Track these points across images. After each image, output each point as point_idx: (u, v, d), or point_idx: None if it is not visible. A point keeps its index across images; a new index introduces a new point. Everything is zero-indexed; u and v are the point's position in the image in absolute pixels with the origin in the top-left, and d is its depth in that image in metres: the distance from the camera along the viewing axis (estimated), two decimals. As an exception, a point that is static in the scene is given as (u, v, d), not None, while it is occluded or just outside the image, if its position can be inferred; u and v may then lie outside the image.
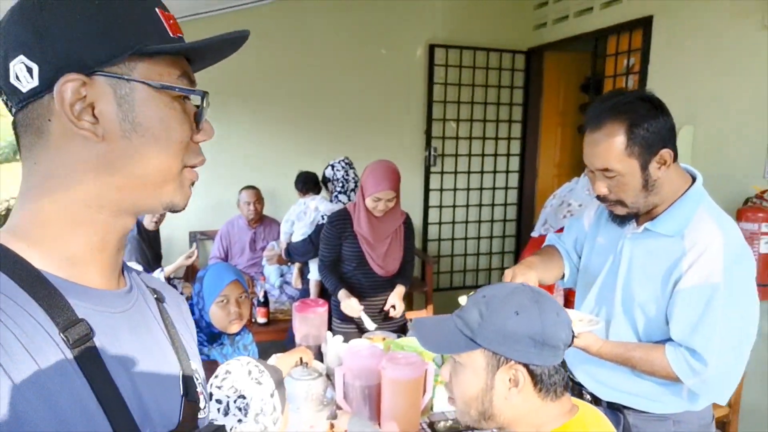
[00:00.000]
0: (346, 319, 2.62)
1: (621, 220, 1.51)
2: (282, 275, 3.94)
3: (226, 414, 1.49)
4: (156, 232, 3.84)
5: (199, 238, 4.47)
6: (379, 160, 2.61)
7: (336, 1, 4.49)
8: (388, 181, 2.48)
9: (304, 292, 3.59)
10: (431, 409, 1.93)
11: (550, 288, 2.97)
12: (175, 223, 4.31)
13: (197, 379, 0.73)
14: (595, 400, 1.59)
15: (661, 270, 1.41)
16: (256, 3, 4.27)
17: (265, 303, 3.41)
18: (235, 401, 1.50)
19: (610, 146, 1.37)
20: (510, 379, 1.04)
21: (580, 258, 1.75)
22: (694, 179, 1.47)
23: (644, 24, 3.66)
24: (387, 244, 2.61)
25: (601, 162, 1.39)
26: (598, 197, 1.47)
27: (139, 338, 0.65)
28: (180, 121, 0.62)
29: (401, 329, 2.66)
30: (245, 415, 1.50)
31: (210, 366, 1.65)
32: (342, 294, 2.57)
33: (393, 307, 2.63)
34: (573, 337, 1.08)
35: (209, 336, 1.96)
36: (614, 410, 1.54)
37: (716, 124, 3.06)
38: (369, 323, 2.48)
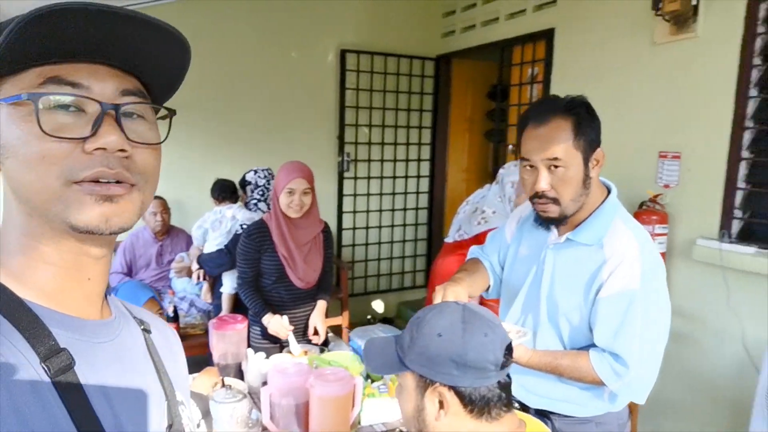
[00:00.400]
0: (267, 335, 2.54)
1: (547, 225, 1.55)
2: (194, 287, 3.76)
3: None
4: None
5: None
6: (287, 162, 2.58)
7: (247, 2, 4.36)
8: (298, 171, 2.44)
9: (216, 307, 3.44)
10: (359, 423, 1.91)
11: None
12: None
13: (183, 411, 0.73)
14: (523, 408, 1.64)
15: (584, 279, 1.48)
16: (154, 2, 4.05)
17: (175, 318, 3.24)
18: None
19: (560, 137, 1.42)
20: (439, 401, 1.05)
21: (503, 269, 1.80)
22: (609, 191, 1.55)
23: (547, 36, 3.85)
24: (306, 253, 2.55)
25: (551, 152, 1.42)
26: (536, 195, 1.48)
27: (122, 368, 0.64)
28: (36, 134, 0.55)
29: (324, 342, 2.62)
30: None
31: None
32: (269, 317, 2.48)
33: (315, 331, 2.60)
34: (511, 351, 1.09)
35: None
36: (541, 416, 1.59)
37: (613, 132, 3.26)
38: (294, 347, 2.39)
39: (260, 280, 2.55)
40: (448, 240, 3.15)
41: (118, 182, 0.58)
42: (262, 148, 4.49)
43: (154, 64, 0.62)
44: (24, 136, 0.56)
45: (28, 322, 0.56)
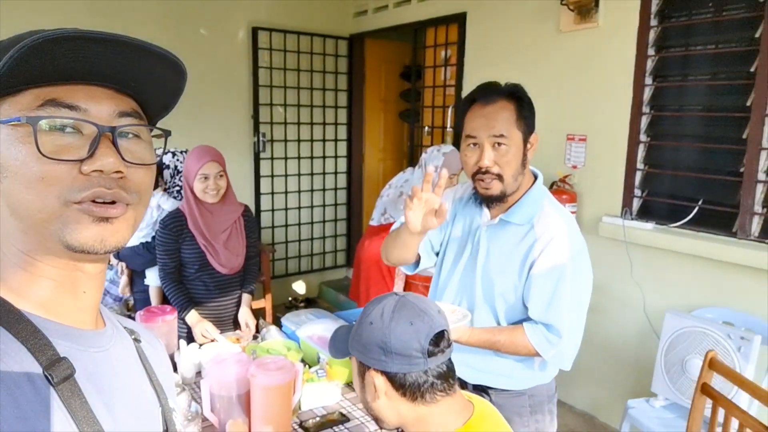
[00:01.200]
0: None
1: (488, 202, 1.65)
2: (108, 273, 3.57)
3: None
4: None
5: None
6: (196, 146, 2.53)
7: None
8: (209, 155, 2.40)
9: (142, 301, 3.28)
10: (300, 407, 1.95)
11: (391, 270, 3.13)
12: None
13: (176, 417, 0.77)
14: (462, 384, 1.74)
15: (518, 258, 1.59)
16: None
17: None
18: None
19: (505, 115, 1.54)
20: (374, 385, 1.12)
21: (433, 249, 1.87)
22: (536, 177, 1.68)
23: (459, 19, 3.96)
24: (226, 239, 2.51)
25: (498, 129, 1.53)
26: (479, 172, 1.57)
27: (119, 376, 0.66)
28: (35, 155, 0.56)
29: (255, 329, 2.62)
30: None
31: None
32: (193, 318, 2.45)
33: (248, 326, 2.60)
34: (442, 340, 1.13)
35: None
36: (479, 392, 1.69)
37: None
38: (225, 344, 2.37)
39: (183, 271, 2.50)
40: (373, 223, 3.22)
41: (113, 202, 0.60)
42: (173, 126, 4.29)
43: (150, 86, 0.64)
44: (23, 157, 0.57)
45: (29, 333, 0.57)
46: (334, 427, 1.85)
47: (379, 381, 1.11)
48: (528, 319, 1.60)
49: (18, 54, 0.52)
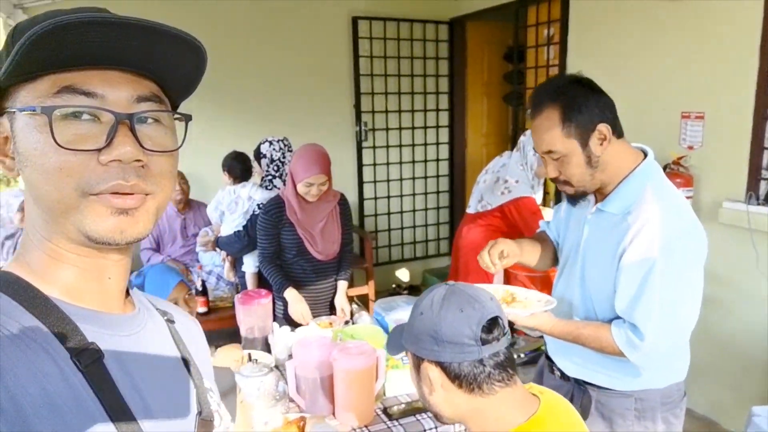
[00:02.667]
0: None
1: (573, 201, 1.58)
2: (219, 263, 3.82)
3: None
4: None
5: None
6: (307, 144, 2.56)
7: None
8: (317, 165, 2.45)
9: (242, 285, 3.48)
10: (384, 394, 1.97)
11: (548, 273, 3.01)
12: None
13: (212, 397, 0.75)
14: (563, 376, 1.66)
15: (611, 248, 1.47)
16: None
17: (204, 292, 3.32)
18: None
19: (549, 130, 1.44)
20: (429, 377, 1.08)
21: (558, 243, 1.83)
22: (645, 155, 1.52)
23: (562, -6, 3.75)
24: (322, 227, 2.58)
25: (545, 145, 1.47)
26: (552, 180, 1.54)
27: (149, 360, 0.66)
28: (49, 144, 0.55)
29: (350, 315, 2.67)
30: None
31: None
32: (291, 294, 2.54)
33: (343, 311, 2.65)
34: (496, 327, 1.08)
35: None
36: (579, 385, 1.61)
37: (634, 93, 3.20)
38: (315, 324, 2.44)
39: (282, 255, 2.60)
40: (470, 210, 3.15)
41: (134, 192, 0.59)
42: (278, 119, 4.51)
43: (169, 68, 0.62)
44: (40, 146, 0.56)
45: (56, 319, 0.58)
46: (417, 415, 1.84)
47: (434, 373, 1.07)
48: (618, 317, 1.48)
49: (30, 40, 0.51)
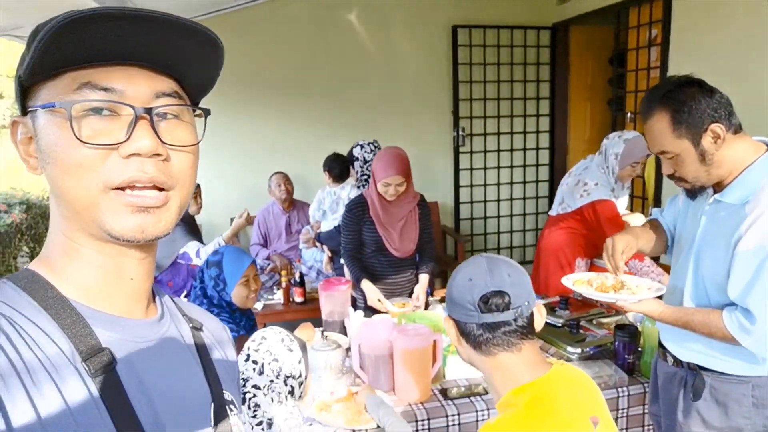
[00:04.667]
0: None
1: (691, 195, 1.65)
2: (322, 256, 4.12)
3: (260, 374, 1.71)
4: (192, 218, 3.92)
5: (239, 224, 4.73)
6: (388, 147, 2.75)
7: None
8: (395, 167, 2.61)
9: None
10: (444, 376, 2.09)
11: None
12: (214, 210, 4.58)
13: (232, 410, 0.72)
14: (676, 361, 1.70)
15: (726, 236, 1.50)
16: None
17: (301, 283, 3.63)
18: (269, 363, 1.72)
19: (660, 131, 1.54)
20: (449, 329, 1.24)
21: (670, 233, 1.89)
22: None
23: (664, -6, 3.64)
24: (401, 227, 2.74)
25: (657, 146, 1.56)
26: (668, 176, 1.62)
27: (166, 368, 0.65)
28: (69, 139, 0.56)
29: (425, 304, 2.80)
30: (277, 376, 1.72)
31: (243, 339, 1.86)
32: (367, 285, 2.71)
33: (417, 298, 2.77)
34: (495, 300, 1.17)
35: (230, 315, 2.17)
36: (692, 370, 1.65)
37: (740, 94, 3.03)
38: (390, 306, 2.62)
39: (362, 250, 2.80)
40: (552, 213, 3.17)
41: (154, 186, 0.59)
42: (377, 123, 4.78)
43: (189, 64, 0.62)
44: (61, 142, 0.57)
45: (72, 321, 0.57)
46: (472, 398, 1.95)
47: (449, 325, 1.23)
48: (732, 303, 1.50)
49: (48, 36, 0.52)
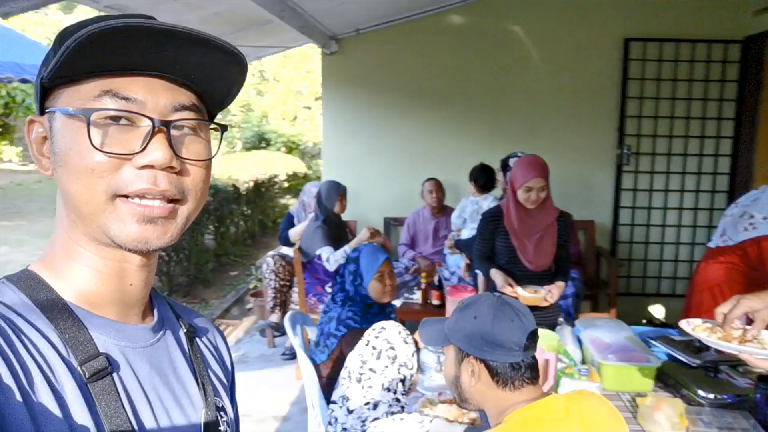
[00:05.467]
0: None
1: None
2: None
3: (378, 358, 1.88)
4: (339, 217, 4.20)
5: (392, 223, 4.99)
6: (527, 154, 2.75)
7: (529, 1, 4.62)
8: (536, 170, 2.61)
9: (475, 284, 3.81)
10: (555, 397, 2.06)
11: None
12: (370, 209, 4.89)
13: (222, 417, 0.72)
14: None
15: None
16: (451, 5, 4.62)
17: (440, 287, 3.75)
18: (386, 350, 1.89)
19: None
20: (471, 371, 1.29)
21: None
22: None
23: None
24: (538, 239, 2.72)
25: None
26: None
27: (160, 373, 0.66)
28: (84, 145, 0.56)
29: (551, 327, 2.74)
30: (392, 363, 1.88)
31: (360, 333, 2.04)
32: (494, 273, 2.71)
33: (550, 291, 2.67)
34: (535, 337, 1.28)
35: (362, 310, 2.34)
36: None
37: None
38: (522, 291, 2.57)
39: (495, 259, 2.84)
40: (711, 245, 2.92)
41: (163, 197, 0.59)
42: (535, 135, 4.73)
43: (211, 79, 0.63)
44: (76, 147, 0.57)
45: (69, 325, 0.58)
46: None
47: (477, 368, 1.28)
48: None
49: (76, 43, 0.52)
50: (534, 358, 1.31)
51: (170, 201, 0.60)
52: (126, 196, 0.58)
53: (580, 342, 2.40)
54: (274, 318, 4.27)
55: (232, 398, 0.81)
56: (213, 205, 5.41)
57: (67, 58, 0.54)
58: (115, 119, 0.58)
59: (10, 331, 0.53)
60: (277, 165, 8.29)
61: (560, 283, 2.75)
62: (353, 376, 1.94)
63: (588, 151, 4.78)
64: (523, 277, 2.79)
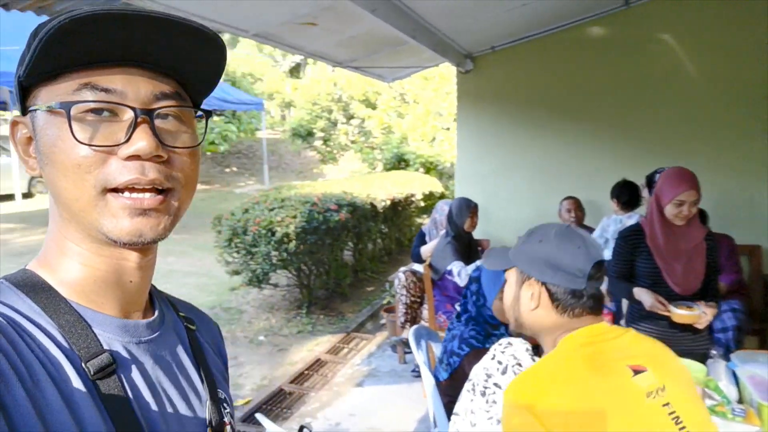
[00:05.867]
0: (647, 317, 2.56)
1: None
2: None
3: (503, 373, 1.82)
4: (470, 235, 4.13)
5: (526, 244, 4.81)
6: (673, 167, 2.51)
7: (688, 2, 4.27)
8: (687, 182, 2.38)
9: (618, 312, 3.54)
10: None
11: None
12: (503, 228, 4.78)
13: (225, 408, 0.73)
14: None
15: None
16: (591, 17, 4.41)
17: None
18: (513, 366, 1.83)
19: None
20: (531, 294, 1.27)
21: None
22: None
23: None
24: (685, 260, 2.47)
25: None
26: None
27: (163, 368, 0.66)
28: (68, 140, 0.56)
29: (701, 358, 2.45)
30: None
31: (483, 353, 1.98)
32: (638, 291, 2.49)
33: (704, 312, 2.42)
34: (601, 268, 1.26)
35: (485, 330, 2.27)
36: None
37: None
38: (676, 310, 2.35)
39: (636, 282, 2.61)
40: None
41: (153, 188, 0.58)
42: (685, 150, 4.35)
43: (191, 65, 0.61)
44: (60, 143, 0.56)
45: (72, 323, 0.57)
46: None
47: (538, 291, 1.26)
48: None
49: (47, 36, 0.51)
50: (600, 290, 1.26)
51: (160, 192, 0.59)
52: (116, 190, 0.57)
53: (736, 378, 2.12)
54: (405, 334, 4.30)
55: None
56: (351, 222, 5.62)
57: (41, 52, 0.53)
58: (97, 112, 0.57)
59: (11, 331, 0.53)
60: (414, 185, 8.40)
61: (713, 305, 2.47)
62: (477, 389, 1.88)
63: (749, 166, 4.27)
64: (668, 301, 2.54)
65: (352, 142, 14.00)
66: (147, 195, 0.58)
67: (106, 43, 0.54)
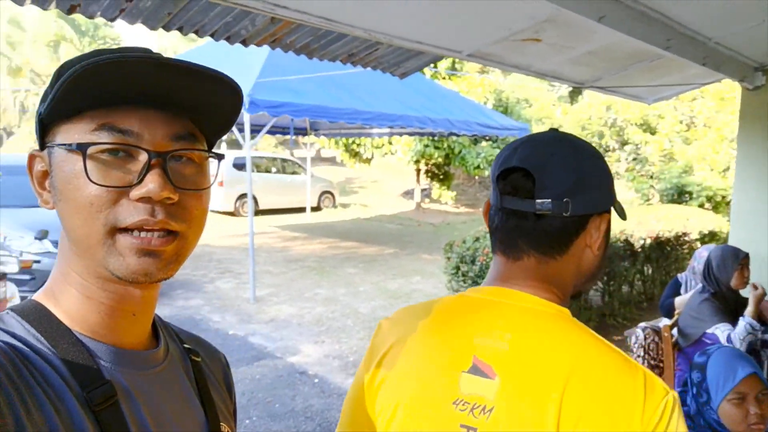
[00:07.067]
0: None
1: None
2: None
3: None
4: (737, 293, 3.24)
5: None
6: None
7: None
8: None
9: None
10: None
11: None
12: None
13: None
14: None
15: None
16: None
17: None
18: None
19: None
20: (600, 229, 0.95)
21: None
22: None
23: None
24: None
25: None
26: None
27: (166, 398, 0.66)
28: (82, 179, 0.57)
29: None
30: None
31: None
32: None
33: None
34: None
35: None
36: None
37: None
38: None
39: None
40: None
41: (162, 229, 0.59)
42: None
43: (208, 110, 0.63)
44: (74, 181, 0.58)
45: (74, 353, 0.59)
46: None
47: (605, 223, 0.90)
48: None
49: (71, 78, 0.53)
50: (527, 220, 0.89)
51: (169, 232, 0.60)
52: (125, 230, 0.58)
53: None
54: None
55: (235, 424, 0.81)
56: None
57: (64, 93, 0.55)
58: (113, 152, 0.58)
59: (14, 360, 0.53)
60: (690, 221, 7.17)
61: None
62: None
63: None
64: None
65: (625, 170, 12.76)
66: (156, 234, 0.59)
67: (126, 85, 0.56)
